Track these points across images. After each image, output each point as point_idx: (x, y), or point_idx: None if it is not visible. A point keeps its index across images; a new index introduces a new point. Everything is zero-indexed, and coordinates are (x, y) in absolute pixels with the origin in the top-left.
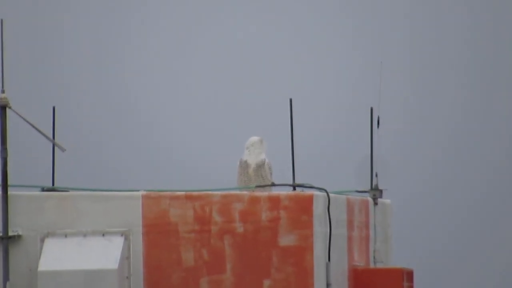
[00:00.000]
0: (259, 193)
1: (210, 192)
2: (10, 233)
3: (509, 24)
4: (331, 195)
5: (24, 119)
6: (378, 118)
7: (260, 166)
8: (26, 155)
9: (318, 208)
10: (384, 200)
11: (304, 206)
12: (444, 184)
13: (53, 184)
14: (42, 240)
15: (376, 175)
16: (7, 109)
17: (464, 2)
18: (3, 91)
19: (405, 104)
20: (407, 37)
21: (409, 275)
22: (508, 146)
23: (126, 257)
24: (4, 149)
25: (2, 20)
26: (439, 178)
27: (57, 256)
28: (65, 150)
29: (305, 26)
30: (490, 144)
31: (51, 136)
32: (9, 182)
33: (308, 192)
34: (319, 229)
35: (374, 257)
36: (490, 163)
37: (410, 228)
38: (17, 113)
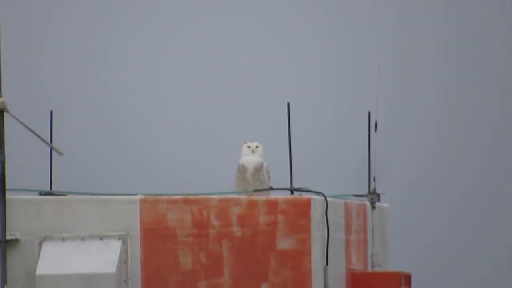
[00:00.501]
0: (257, 197)
1: (207, 196)
2: (8, 237)
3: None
4: (328, 199)
5: (22, 123)
6: (376, 122)
7: (258, 170)
8: (24, 159)
9: (316, 212)
10: (382, 204)
11: (302, 210)
12: (443, 188)
13: (51, 188)
14: (40, 244)
15: (374, 179)
16: (5, 113)
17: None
18: (0, 95)
19: (403, 108)
20: (405, 41)
21: (407, 278)
22: (505, 151)
23: (124, 261)
24: (2, 152)
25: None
26: (437, 182)
27: (55, 260)
28: (63, 154)
29: (304, 29)
30: (488, 147)
31: (48, 140)
32: (6, 186)
33: (306, 196)
34: (317, 233)
35: (372, 261)
36: (488, 167)
37: (408, 232)
38: (14, 117)
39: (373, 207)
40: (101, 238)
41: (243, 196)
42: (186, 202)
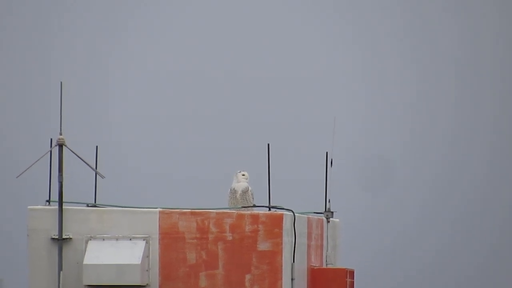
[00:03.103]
0: (244, 212)
1: (208, 210)
2: (64, 236)
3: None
4: (296, 214)
5: (76, 154)
6: (332, 160)
7: (245, 192)
8: (76, 180)
9: (287, 223)
10: (334, 219)
11: (276, 222)
12: (380, 208)
13: (95, 201)
14: (87, 242)
15: (329, 201)
16: (63, 147)
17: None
18: (60, 134)
19: (354, 149)
20: (361, 90)
21: (351, 273)
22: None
23: (146, 255)
24: (61, 175)
25: (61, 83)
26: (376, 204)
27: (97, 253)
28: (104, 177)
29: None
30: (426, 165)
31: (94, 167)
32: (64, 199)
33: (280, 212)
34: (287, 239)
35: (326, 260)
36: (420, 187)
37: (352, 239)
38: (70, 150)
39: (328, 221)
40: (130, 239)
41: (234, 211)
42: (193, 214)
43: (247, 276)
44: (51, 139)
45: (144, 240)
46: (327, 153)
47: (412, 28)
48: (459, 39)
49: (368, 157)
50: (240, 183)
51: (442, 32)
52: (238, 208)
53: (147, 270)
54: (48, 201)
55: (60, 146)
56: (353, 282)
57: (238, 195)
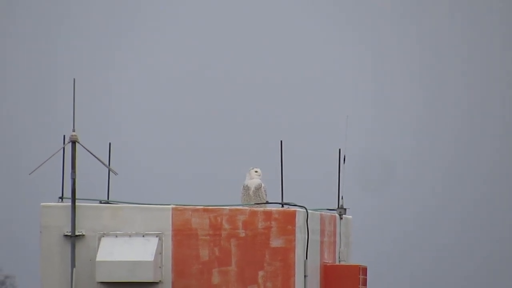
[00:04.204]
0: (256, 208)
1: (221, 207)
2: (77, 233)
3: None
4: (309, 211)
5: (89, 151)
6: (344, 156)
7: (258, 189)
8: (89, 177)
9: (300, 220)
10: (347, 216)
11: (289, 219)
12: (392, 203)
13: (108, 198)
14: (99, 239)
15: (342, 198)
16: (76, 144)
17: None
18: (74, 130)
19: (369, 147)
20: (371, 91)
21: (364, 270)
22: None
23: (159, 252)
24: (74, 172)
25: (74, 80)
26: (388, 200)
27: (110, 250)
28: (117, 174)
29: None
30: (435, 163)
31: (107, 163)
32: (76, 196)
33: (292, 208)
34: (299, 235)
35: (339, 257)
36: (429, 186)
37: (364, 236)
38: (83, 147)
39: (341, 218)
40: (143, 235)
41: (247, 208)
42: (205, 210)
43: (260, 273)
44: (64, 136)
45: (157, 237)
46: (340, 150)
47: (419, 31)
48: (466, 42)
49: (371, 157)
50: (253, 179)
51: (448, 35)
52: (251, 204)
53: (160, 267)
54: (61, 198)
55: (73, 143)
56: (366, 279)
57: (251, 192)
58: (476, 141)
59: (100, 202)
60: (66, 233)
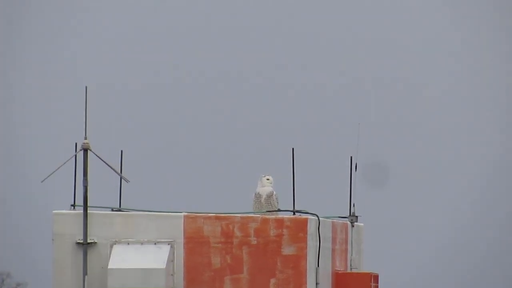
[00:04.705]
0: (268, 216)
1: (233, 215)
2: (88, 240)
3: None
4: (320, 219)
5: (100, 158)
6: (356, 164)
7: (269, 196)
8: (101, 184)
9: (311, 228)
10: (359, 224)
11: (301, 226)
12: (404, 210)
13: (120, 206)
14: (111, 246)
15: (354, 205)
16: (88, 151)
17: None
18: (85, 138)
19: (382, 154)
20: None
21: (376, 278)
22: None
23: (171, 260)
24: (85, 179)
25: (86, 87)
26: (400, 208)
27: (122, 258)
28: (129, 181)
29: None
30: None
31: (119, 171)
32: (88, 204)
33: (304, 216)
34: (311, 243)
35: (350, 264)
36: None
37: (376, 243)
38: (95, 154)
39: (352, 226)
40: (155, 243)
41: (258, 215)
42: (217, 218)
43: (272, 280)
44: (76, 144)
45: (169, 244)
46: (351, 157)
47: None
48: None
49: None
50: (265, 187)
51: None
52: (263, 212)
53: (172, 275)
54: (73, 205)
55: (85, 150)
56: (378, 286)
57: (262, 200)
58: None
59: (112, 210)
60: (78, 241)
